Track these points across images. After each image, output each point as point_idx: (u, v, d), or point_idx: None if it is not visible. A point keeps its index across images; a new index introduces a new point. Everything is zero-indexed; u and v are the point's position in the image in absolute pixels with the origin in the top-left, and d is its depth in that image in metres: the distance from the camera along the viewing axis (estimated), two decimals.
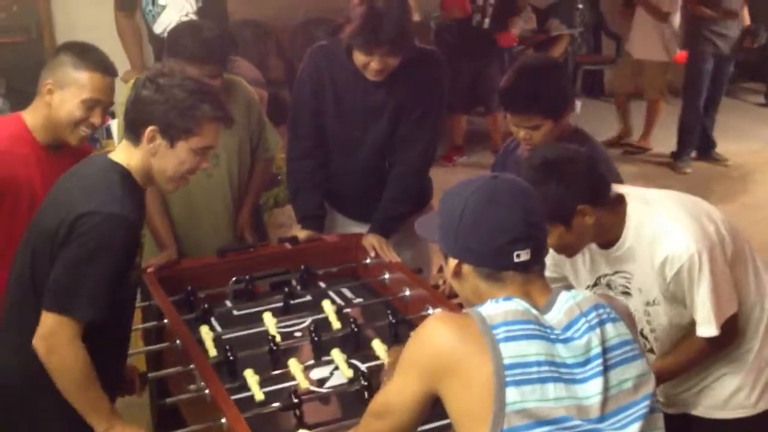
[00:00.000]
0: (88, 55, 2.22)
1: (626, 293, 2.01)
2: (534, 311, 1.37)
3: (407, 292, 2.53)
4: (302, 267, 2.67)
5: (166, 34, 3.20)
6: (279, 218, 4.10)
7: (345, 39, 2.66)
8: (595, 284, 2.09)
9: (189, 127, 1.88)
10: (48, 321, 1.80)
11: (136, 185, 1.92)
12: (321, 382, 2.15)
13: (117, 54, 4.03)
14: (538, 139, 2.34)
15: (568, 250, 1.98)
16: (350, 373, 2.15)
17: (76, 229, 1.79)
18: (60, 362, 1.82)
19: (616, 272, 2.03)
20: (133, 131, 1.90)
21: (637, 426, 1.33)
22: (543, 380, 1.30)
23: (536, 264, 1.42)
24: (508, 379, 1.29)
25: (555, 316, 1.38)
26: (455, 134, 6.36)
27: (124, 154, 1.93)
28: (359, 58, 2.65)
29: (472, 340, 1.33)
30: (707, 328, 1.91)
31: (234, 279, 2.63)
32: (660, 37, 6.27)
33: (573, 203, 1.86)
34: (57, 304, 1.80)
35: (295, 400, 1.95)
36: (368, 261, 2.75)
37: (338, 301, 2.57)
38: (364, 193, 2.88)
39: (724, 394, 2.07)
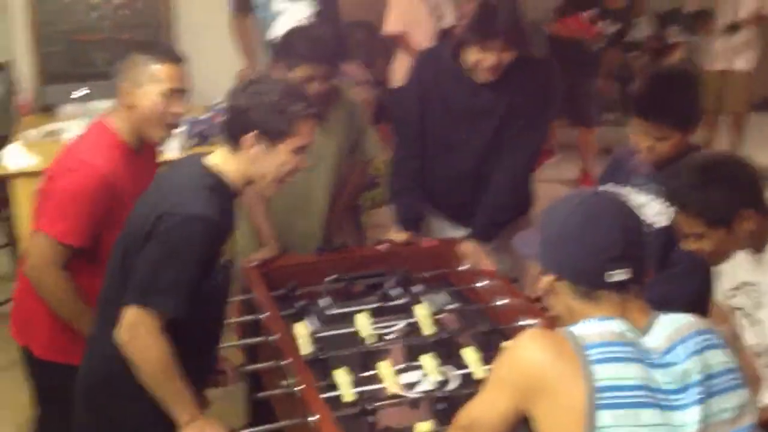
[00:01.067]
0: (154, 49, 2.28)
1: (762, 306, 1.95)
2: (631, 334, 1.33)
3: (501, 302, 2.50)
4: (398, 270, 2.68)
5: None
6: (375, 219, 4.13)
7: (456, 39, 2.67)
8: (737, 288, 2.04)
9: (285, 127, 1.91)
10: (128, 314, 1.85)
11: (225, 190, 1.96)
12: (410, 386, 2.15)
13: (233, 54, 4.20)
14: (662, 151, 2.27)
15: (721, 258, 1.94)
16: (440, 379, 2.14)
17: (158, 226, 1.84)
18: (139, 354, 1.85)
19: (756, 284, 1.98)
20: (232, 139, 1.94)
21: None
22: (637, 405, 1.27)
23: (635, 284, 1.38)
24: (600, 402, 1.26)
25: (654, 340, 1.34)
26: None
27: (220, 159, 1.97)
28: (473, 55, 2.63)
29: (565, 360, 1.30)
30: None
31: (330, 278, 2.67)
32: (744, 45, 5.98)
33: (736, 207, 1.83)
34: (136, 298, 1.85)
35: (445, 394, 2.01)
36: (463, 267, 2.73)
37: (431, 306, 2.56)
38: (463, 195, 2.87)
39: None
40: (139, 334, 1.84)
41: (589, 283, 1.38)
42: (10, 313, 2.43)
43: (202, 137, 3.89)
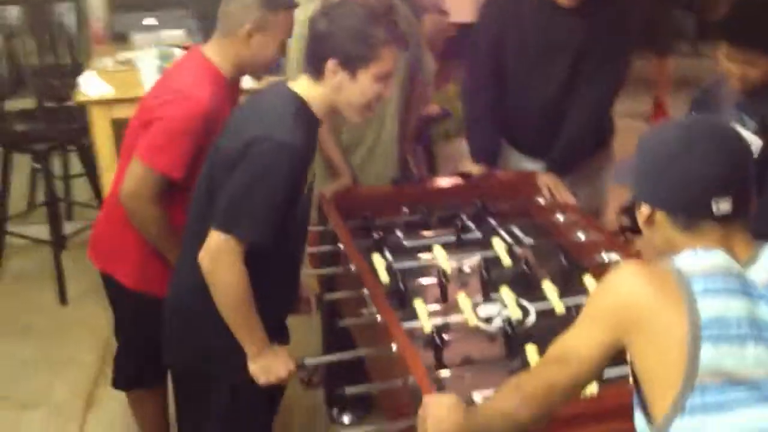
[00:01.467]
0: None
1: None
2: (736, 265, 1.28)
3: (581, 236, 2.46)
4: (474, 202, 2.66)
5: None
6: (448, 151, 4.09)
7: None
8: None
9: (367, 54, 1.88)
10: (214, 238, 1.86)
11: (311, 117, 1.95)
12: (488, 319, 2.15)
13: None
14: (753, 78, 2.20)
15: None
16: (519, 313, 2.13)
17: (248, 152, 1.84)
18: (220, 279, 1.87)
19: None
20: (315, 67, 1.92)
21: None
22: (742, 340, 1.23)
23: (739, 214, 1.31)
24: (705, 335, 1.22)
25: (759, 273, 1.29)
26: None
27: (304, 87, 1.95)
28: None
29: (667, 292, 1.26)
30: None
31: (406, 210, 2.66)
32: None
33: None
34: (222, 222, 1.85)
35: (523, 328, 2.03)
36: (542, 201, 2.69)
37: (509, 239, 2.54)
38: (540, 129, 2.81)
39: None
40: (221, 260, 1.85)
41: (690, 214, 1.32)
42: (92, 240, 2.47)
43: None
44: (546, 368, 1.42)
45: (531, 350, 1.91)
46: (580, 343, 1.36)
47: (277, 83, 2.05)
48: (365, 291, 2.15)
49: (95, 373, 3.24)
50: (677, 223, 1.34)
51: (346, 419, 2.93)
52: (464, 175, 2.79)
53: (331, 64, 1.89)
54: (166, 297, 2.09)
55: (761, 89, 2.23)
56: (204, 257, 1.87)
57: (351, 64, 1.89)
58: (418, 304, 2.13)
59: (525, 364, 1.88)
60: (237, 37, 2.19)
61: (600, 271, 2.28)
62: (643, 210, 1.39)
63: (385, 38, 1.90)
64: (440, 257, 2.39)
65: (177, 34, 4.02)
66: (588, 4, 2.59)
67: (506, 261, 2.38)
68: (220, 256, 1.85)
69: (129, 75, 3.60)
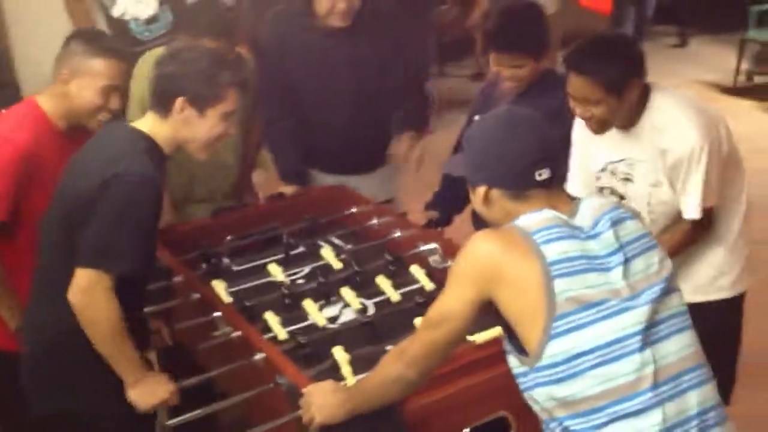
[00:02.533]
0: (98, 42, 2.27)
1: (628, 179, 2.27)
2: (563, 217, 1.57)
3: (398, 233, 2.70)
4: (293, 221, 2.81)
5: (126, 17, 3.56)
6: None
7: None
8: (603, 170, 2.36)
9: (215, 93, 2.02)
10: (83, 275, 1.89)
11: (160, 152, 2.05)
12: (333, 319, 2.33)
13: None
14: (522, 76, 2.57)
15: (608, 125, 2.23)
16: (359, 308, 2.33)
17: (108, 189, 1.90)
18: (95, 314, 1.91)
19: (622, 160, 2.30)
20: (162, 105, 2.02)
21: (664, 299, 1.55)
22: (583, 271, 1.51)
23: (555, 179, 1.61)
24: (554, 273, 1.49)
25: (581, 219, 1.58)
26: None
27: (149, 124, 2.04)
28: (323, 2, 2.80)
29: (516, 247, 1.52)
30: (693, 212, 2.23)
31: (229, 237, 2.76)
32: None
33: (628, 77, 2.15)
34: (91, 259, 1.90)
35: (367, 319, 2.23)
36: (354, 210, 2.91)
37: (333, 248, 2.72)
38: (343, 146, 3.04)
39: (704, 277, 2.36)
40: (96, 297, 1.89)
41: (520, 185, 1.59)
42: None
43: None
44: (426, 332, 1.63)
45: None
46: (452, 304, 1.58)
47: (117, 123, 2.11)
48: (216, 313, 2.24)
49: None
50: (510, 196, 1.61)
51: None
52: (279, 197, 2.94)
53: (179, 102, 2.00)
54: (24, 349, 2.06)
55: (530, 87, 2.61)
56: (75, 295, 1.89)
57: (200, 103, 2.01)
58: (269, 316, 2.26)
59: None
60: (58, 82, 2.25)
61: (422, 261, 2.55)
62: (479, 191, 1.64)
63: (231, 80, 2.05)
64: (276, 273, 2.53)
65: None
66: (360, 24, 2.87)
67: (337, 265, 2.57)
68: (92, 292, 1.88)
69: None
